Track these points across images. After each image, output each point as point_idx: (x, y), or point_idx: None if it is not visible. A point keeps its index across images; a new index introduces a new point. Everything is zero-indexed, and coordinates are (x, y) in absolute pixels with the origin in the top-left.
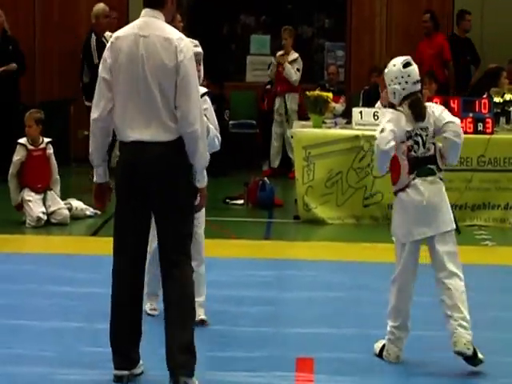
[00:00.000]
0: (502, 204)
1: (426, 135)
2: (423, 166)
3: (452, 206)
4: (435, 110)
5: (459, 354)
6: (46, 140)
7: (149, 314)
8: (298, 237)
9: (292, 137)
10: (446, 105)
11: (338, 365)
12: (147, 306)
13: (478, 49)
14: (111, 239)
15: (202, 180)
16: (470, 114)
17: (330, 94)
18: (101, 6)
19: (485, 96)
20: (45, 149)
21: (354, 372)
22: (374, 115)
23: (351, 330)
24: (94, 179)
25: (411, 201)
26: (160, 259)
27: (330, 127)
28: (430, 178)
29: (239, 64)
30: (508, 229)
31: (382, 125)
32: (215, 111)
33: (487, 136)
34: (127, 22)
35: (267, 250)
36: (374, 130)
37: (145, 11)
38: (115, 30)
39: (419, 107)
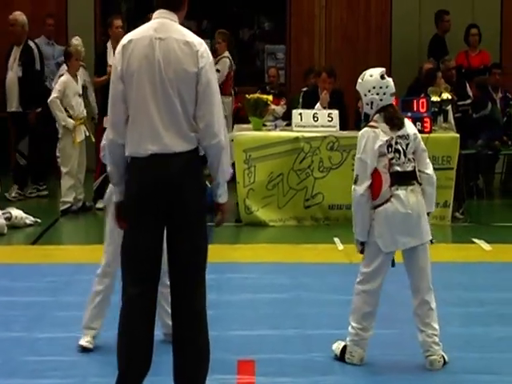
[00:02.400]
0: (441, 202)
1: (407, 144)
2: (405, 180)
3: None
4: (414, 130)
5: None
6: None
7: (84, 348)
8: (239, 239)
9: (232, 140)
10: None
11: (279, 366)
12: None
13: (416, 52)
14: (51, 247)
15: (223, 195)
16: (409, 114)
17: (270, 97)
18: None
19: (422, 95)
20: None
21: (295, 373)
22: (313, 117)
23: (292, 330)
24: (115, 199)
25: (395, 211)
26: (171, 282)
27: (270, 130)
28: (411, 187)
29: None
30: (447, 226)
31: (356, 170)
32: None
33: (425, 135)
34: (66, 29)
35: (209, 254)
36: (314, 132)
37: (159, 12)
38: (52, 37)
39: (396, 118)
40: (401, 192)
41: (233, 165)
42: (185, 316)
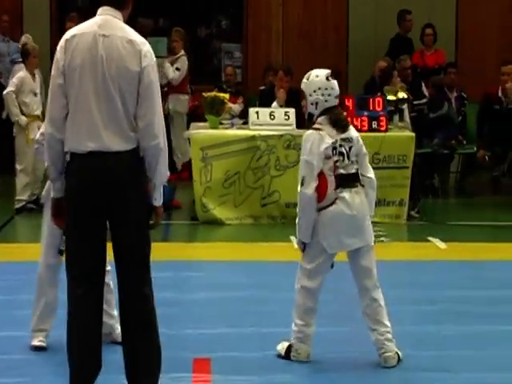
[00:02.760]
0: (396, 200)
1: (350, 147)
2: (349, 182)
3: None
4: (357, 134)
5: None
6: None
7: (38, 347)
8: (196, 238)
9: (189, 138)
10: (341, 103)
11: (235, 364)
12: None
13: (373, 50)
14: (7, 246)
15: (159, 198)
16: (365, 113)
17: (227, 95)
18: None
19: (378, 94)
20: None
21: (251, 371)
22: (270, 115)
23: (249, 329)
24: (52, 195)
25: (341, 212)
26: (119, 279)
27: (226, 128)
28: (354, 189)
29: None
30: (402, 225)
31: (302, 172)
32: None
33: (382, 134)
34: (21, 26)
35: (165, 252)
36: (271, 130)
37: (103, 9)
38: (8, 34)
39: (341, 120)
40: (346, 194)
41: (189, 163)
42: (134, 307)
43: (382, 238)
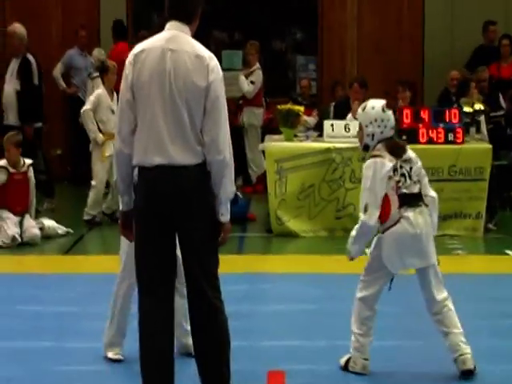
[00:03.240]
0: (473, 213)
1: (410, 168)
2: (413, 201)
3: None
4: (415, 155)
5: (467, 371)
6: (28, 162)
7: (114, 360)
8: (270, 250)
9: (263, 151)
10: (417, 115)
11: (310, 377)
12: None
13: (449, 62)
14: (83, 257)
15: (225, 214)
16: (441, 125)
17: (302, 108)
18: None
19: (455, 106)
20: (26, 172)
21: None
22: (345, 128)
23: (323, 341)
24: (121, 208)
25: (405, 232)
26: (189, 294)
27: (301, 140)
28: (418, 209)
29: None
30: (479, 238)
31: (365, 199)
32: None
33: (458, 146)
34: (99, 41)
35: (240, 265)
36: (346, 143)
37: (171, 24)
38: (85, 49)
39: (398, 146)
40: (409, 213)
41: (264, 175)
42: (202, 310)
43: (458, 251)
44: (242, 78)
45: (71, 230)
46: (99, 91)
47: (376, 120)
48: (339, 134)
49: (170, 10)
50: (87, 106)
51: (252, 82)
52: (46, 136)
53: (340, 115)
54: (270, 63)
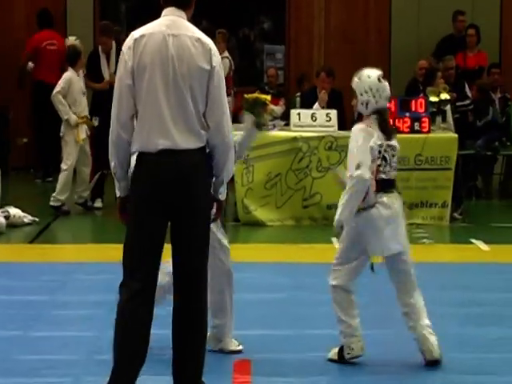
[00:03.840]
0: (439, 202)
1: (393, 155)
2: (389, 187)
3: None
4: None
5: (433, 361)
6: None
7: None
8: (237, 239)
9: None
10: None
11: (276, 366)
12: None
13: (416, 52)
14: (50, 246)
15: (223, 192)
16: (407, 114)
17: (269, 97)
18: None
19: (421, 95)
20: None
21: (291, 373)
22: (312, 117)
23: (289, 330)
24: (118, 194)
25: (381, 216)
26: (174, 273)
27: (268, 129)
28: (394, 195)
29: None
30: (445, 226)
31: (357, 158)
32: None
33: (424, 135)
34: (65, 30)
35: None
36: (312, 132)
37: (169, 10)
38: None
39: (389, 127)
40: (385, 198)
41: None
42: (188, 296)
43: (424, 240)
44: None
45: (37, 219)
46: (69, 74)
47: (371, 89)
48: (306, 123)
49: None
50: (57, 89)
51: None
52: (12, 124)
53: (307, 104)
54: (237, 52)
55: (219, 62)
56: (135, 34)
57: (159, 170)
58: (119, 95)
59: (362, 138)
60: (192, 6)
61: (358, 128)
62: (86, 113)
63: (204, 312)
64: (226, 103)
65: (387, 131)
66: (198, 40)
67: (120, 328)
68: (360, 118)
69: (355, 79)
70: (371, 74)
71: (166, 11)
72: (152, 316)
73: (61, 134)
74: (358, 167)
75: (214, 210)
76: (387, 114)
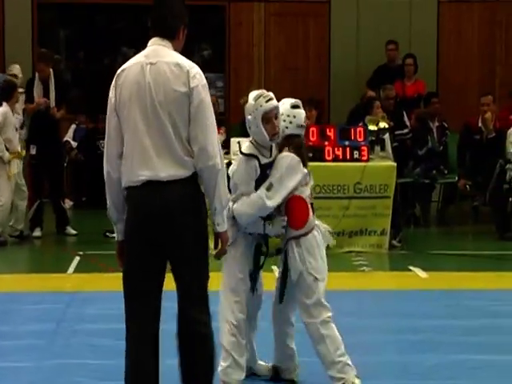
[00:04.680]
0: (378, 230)
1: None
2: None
3: (330, 233)
4: None
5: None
6: None
7: None
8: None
9: None
10: (323, 133)
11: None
12: None
13: (354, 80)
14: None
15: (222, 224)
16: (346, 142)
17: None
18: None
19: (360, 124)
20: None
21: None
22: None
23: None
24: (116, 238)
25: (320, 240)
26: (179, 313)
27: None
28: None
29: None
30: (384, 254)
31: (274, 181)
32: (90, 143)
33: (363, 163)
34: (3, 57)
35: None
36: None
37: (153, 40)
38: None
39: (303, 152)
40: (316, 221)
41: None
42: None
43: (363, 268)
44: None
45: None
46: (4, 109)
47: (282, 114)
48: None
49: (152, 27)
50: None
51: None
52: None
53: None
54: None
55: (200, 83)
56: (119, 69)
57: (142, 204)
58: (108, 134)
59: (293, 169)
60: (179, 37)
61: (291, 157)
62: (18, 148)
63: (207, 336)
64: (211, 124)
65: (303, 157)
66: (177, 65)
67: (128, 374)
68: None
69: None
70: (285, 102)
71: (150, 42)
72: (157, 355)
73: None
74: (267, 190)
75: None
76: (301, 140)
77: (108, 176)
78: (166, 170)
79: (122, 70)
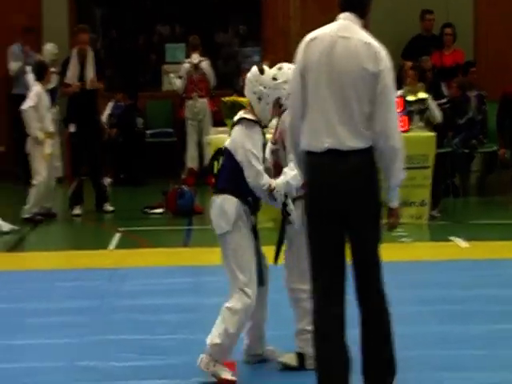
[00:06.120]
0: (417, 200)
1: None
2: None
3: None
4: None
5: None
6: None
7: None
8: (216, 243)
9: (209, 143)
10: None
11: (259, 367)
12: None
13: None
14: (29, 254)
15: (394, 200)
16: None
17: (246, 99)
18: None
19: (398, 94)
20: None
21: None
22: None
23: (270, 332)
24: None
25: None
26: (356, 284)
27: None
28: None
29: (155, 73)
30: (424, 225)
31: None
32: (128, 121)
33: (402, 134)
34: (41, 37)
35: (186, 257)
36: None
37: (343, 15)
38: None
39: None
40: None
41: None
42: (371, 303)
43: (403, 239)
44: (171, 75)
45: (16, 227)
46: (38, 89)
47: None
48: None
49: (343, 2)
50: (29, 104)
51: (179, 77)
52: None
53: None
54: (213, 56)
55: (387, 67)
56: (308, 36)
57: (325, 171)
58: (292, 93)
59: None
60: (368, 14)
61: None
62: (51, 128)
63: (384, 311)
64: (393, 106)
65: None
66: (367, 43)
67: (318, 348)
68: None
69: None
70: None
71: (340, 16)
72: (345, 329)
73: (27, 151)
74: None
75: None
76: None
77: (292, 125)
78: (348, 141)
79: (312, 39)
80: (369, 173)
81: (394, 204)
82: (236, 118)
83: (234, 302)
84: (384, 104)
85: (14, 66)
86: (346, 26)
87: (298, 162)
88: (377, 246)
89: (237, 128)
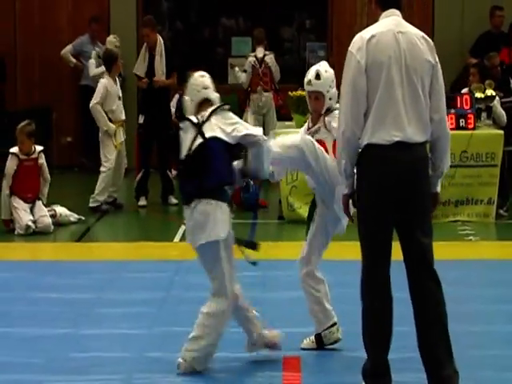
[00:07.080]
0: (484, 199)
1: None
2: None
3: None
4: None
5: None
6: (38, 149)
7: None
8: (282, 237)
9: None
10: None
11: (324, 362)
12: None
13: (458, 51)
14: (95, 244)
15: (439, 185)
16: (452, 110)
17: None
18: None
19: (466, 91)
20: (36, 158)
21: (340, 370)
22: None
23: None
24: (344, 191)
25: None
26: (408, 274)
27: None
28: None
29: (221, 66)
30: (491, 223)
31: None
32: None
33: (469, 132)
34: (108, 29)
35: (251, 251)
36: None
37: (390, 11)
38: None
39: None
40: None
41: None
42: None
43: (470, 237)
44: (236, 69)
45: (83, 217)
46: (104, 82)
47: (333, 80)
48: None
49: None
50: (96, 100)
51: (244, 71)
52: (56, 124)
53: None
54: (279, 50)
55: (438, 60)
56: (364, 35)
57: (392, 162)
58: (354, 93)
59: None
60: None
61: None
62: (122, 117)
63: (437, 291)
64: (444, 96)
65: None
66: (423, 37)
67: (367, 322)
68: (327, 111)
69: (313, 80)
70: (326, 68)
71: (387, 12)
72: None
73: (100, 140)
74: None
75: None
76: None
77: (352, 133)
78: (414, 134)
79: (372, 36)
80: (427, 163)
81: (439, 189)
82: None
83: (215, 306)
84: (440, 93)
85: (96, 71)
86: (399, 22)
87: (352, 159)
88: (432, 230)
89: None
